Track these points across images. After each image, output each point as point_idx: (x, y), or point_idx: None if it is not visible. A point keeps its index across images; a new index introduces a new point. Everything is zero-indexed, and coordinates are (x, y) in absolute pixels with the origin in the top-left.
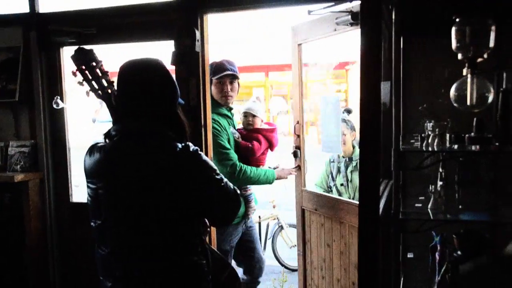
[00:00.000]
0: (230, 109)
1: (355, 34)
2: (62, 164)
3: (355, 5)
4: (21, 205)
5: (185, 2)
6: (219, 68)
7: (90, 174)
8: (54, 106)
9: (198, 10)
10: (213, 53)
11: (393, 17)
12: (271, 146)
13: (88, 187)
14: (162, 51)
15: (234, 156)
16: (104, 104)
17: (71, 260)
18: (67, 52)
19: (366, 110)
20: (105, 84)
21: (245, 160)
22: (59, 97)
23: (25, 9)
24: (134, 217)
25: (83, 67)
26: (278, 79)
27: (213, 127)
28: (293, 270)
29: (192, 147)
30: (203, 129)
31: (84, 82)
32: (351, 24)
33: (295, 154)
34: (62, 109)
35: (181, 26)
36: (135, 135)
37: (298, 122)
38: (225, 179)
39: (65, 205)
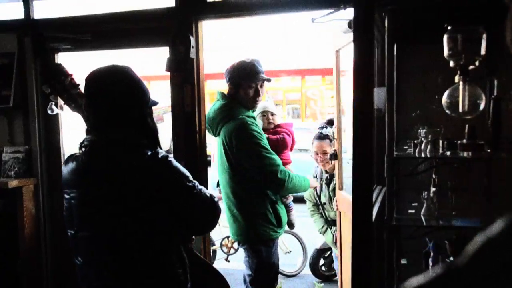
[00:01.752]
0: (253, 111)
1: None
2: (56, 170)
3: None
4: (15, 212)
5: (180, 9)
6: (253, 71)
7: (66, 184)
8: (49, 112)
9: (193, 17)
10: (210, 60)
11: (386, 24)
12: (293, 143)
13: (64, 197)
14: (157, 56)
15: (279, 160)
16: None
17: (65, 267)
18: (62, 58)
19: (359, 116)
20: (76, 96)
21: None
22: (53, 103)
23: (20, 15)
24: (104, 228)
25: (54, 81)
26: (273, 85)
27: (253, 130)
28: (289, 276)
29: (161, 153)
30: (198, 135)
31: (57, 96)
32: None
33: (334, 157)
34: (57, 115)
35: (176, 33)
36: (104, 144)
37: (337, 127)
38: (200, 187)
39: (59, 211)
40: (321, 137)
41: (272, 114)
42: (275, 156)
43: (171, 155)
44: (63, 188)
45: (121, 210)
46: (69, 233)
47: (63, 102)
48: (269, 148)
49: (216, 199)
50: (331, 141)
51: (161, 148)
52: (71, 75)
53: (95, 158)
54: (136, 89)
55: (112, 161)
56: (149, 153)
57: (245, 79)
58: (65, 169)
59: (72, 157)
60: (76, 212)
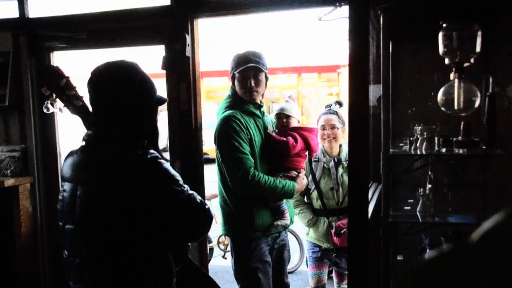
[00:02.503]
0: (258, 107)
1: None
2: (52, 169)
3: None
4: (11, 210)
5: (176, 7)
6: (241, 60)
7: (62, 177)
8: (45, 110)
9: (188, 15)
10: (206, 58)
11: (382, 22)
12: (309, 149)
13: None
14: (153, 54)
15: (248, 161)
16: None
17: (61, 265)
18: (57, 57)
19: (355, 113)
20: (73, 98)
21: (279, 161)
22: (49, 102)
23: (15, 14)
24: (84, 223)
25: (52, 83)
26: (269, 83)
27: (230, 126)
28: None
29: (151, 154)
30: (193, 133)
31: (57, 99)
32: None
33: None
34: (53, 113)
35: (172, 31)
36: (99, 141)
37: None
38: (190, 192)
39: (55, 209)
40: (330, 112)
41: (288, 117)
42: (243, 156)
43: (164, 158)
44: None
45: (102, 208)
46: (59, 225)
47: (63, 105)
48: (241, 147)
49: (207, 206)
50: (339, 118)
51: (158, 149)
52: (68, 77)
53: (88, 154)
54: (138, 87)
55: (102, 159)
56: (138, 152)
57: (234, 69)
58: (64, 162)
59: (72, 152)
60: (65, 205)
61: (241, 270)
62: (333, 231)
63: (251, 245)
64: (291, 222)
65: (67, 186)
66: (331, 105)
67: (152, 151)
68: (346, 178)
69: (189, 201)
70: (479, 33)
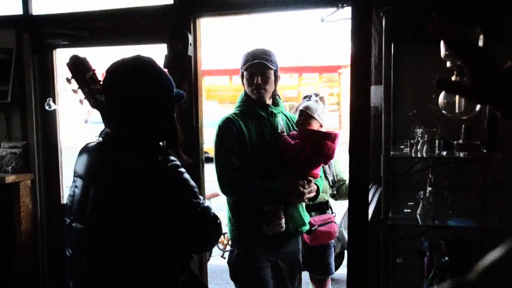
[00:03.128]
0: (265, 107)
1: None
2: (53, 166)
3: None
4: (12, 207)
5: (179, 6)
6: (249, 57)
7: (75, 170)
8: (46, 107)
9: (191, 14)
10: (208, 57)
11: (384, 24)
12: (323, 156)
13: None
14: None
15: (227, 164)
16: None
17: (61, 263)
18: (60, 54)
19: (356, 114)
20: (95, 92)
21: (287, 164)
22: (51, 99)
23: (19, 11)
24: (97, 225)
25: (78, 74)
26: None
27: (219, 129)
28: None
29: (171, 162)
30: (194, 132)
31: (78, 90)
32: None
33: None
34: (54, 110)
35: (174, 30)
36: (116, 142)
37: None
38: (206, 205)
39: (56, 206)
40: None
41: (310, 117)
42: (223, 161)
43: (184, 160)
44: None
45: (115, 210)
46: (66, 221)
47: (84, 97)
48: (225, 150)
49: (219, 221)
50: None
51: (177, 149)
52: (94, 70)
53: (106, 153)
54: (155, 85)
55: (119, 160)
56: (159, 158)
57: (242, 67)
58: (79, 157)
59: (86, 147)
60: (76, 203)
61: (234, 279)
62: None
63: (241, 253)
64: (292, 229)
65: (79, 182)
66: (311, 96)
67: (172, 158)
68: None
69: (204, 214)
70: (481, 36)
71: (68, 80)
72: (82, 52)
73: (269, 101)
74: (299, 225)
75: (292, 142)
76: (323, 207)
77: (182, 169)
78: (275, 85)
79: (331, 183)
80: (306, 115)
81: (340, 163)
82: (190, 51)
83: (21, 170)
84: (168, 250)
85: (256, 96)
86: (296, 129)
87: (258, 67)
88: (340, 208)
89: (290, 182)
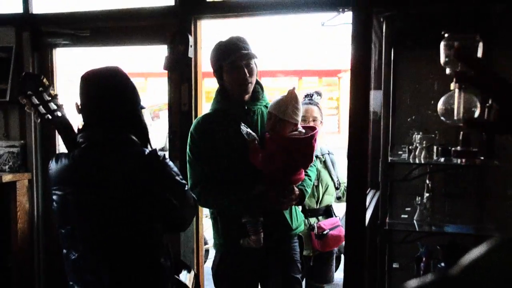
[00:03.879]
0: (242, 104)
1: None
2: None
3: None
4: (8, 206)
5: (180, 8)
6: (229, 48)
7: (58, 181)
8: None
9: (192, 16)
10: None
11: (384, 30)
12: (298, 163)
13: (54, 194)
14: (155, 53)
15: (194, 172)
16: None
17: (57, 264)
18: (60, 54)
19: (355, 118)
20: (54, 107)
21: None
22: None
23: (19, 9)
24: (103, 222)
25: (30, 92)
26: (270, 85)
27: (190, 133)
28: None
29: (159, 152)
30: None
31: (32, 108)
32: None
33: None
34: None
35: (175, 32)
36: (102, 142)
37: None
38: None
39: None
40: (311, 103)
41: (278, 120)
42: (190, 169)
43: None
44: (51, 185)
45: (118, 204)
46: (62, 230)
47: (37, 114)
48: (192, 158)
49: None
50: (320, 110)
51: (151, 147)
52: (50, 85)
53: (93, 155)
54: (129, 89)
55: (111, 158)
56: (147, 151)
57: (221, 60)
58: (57, 167)
59: (63, 155)
60: (73, 208)
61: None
62: (314, 233)
63: (221, 259)
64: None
65: (69, 190)
66: (312, 94)
67: (157, 149)
68: (324, 173)
69: (189, 192)
70: (481, 44)
71: (21, 99)
72: (82, 51)
73: (247, 97)
74: (287, 229)
75: (260, 154)
76: (330, 211)
77: (167, 158)
78: (256, 76)
79: (336, 185)
80: (273, 118)
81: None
82: (191, 53)
83: (19, 170)
84: (158, 228)
85: (244, 92)
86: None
87: (242, 59)
88: (338, 211)
89: (263, 192)
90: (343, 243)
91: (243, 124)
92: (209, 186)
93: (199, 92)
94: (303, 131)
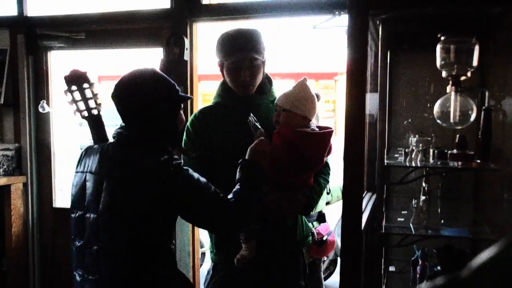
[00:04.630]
0: (246, 99)
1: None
2: (46, 168)
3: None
4: (2, 210)
5: (175, 11)
6: (232, 47)
7: (83, 165)
8: (40, 110)
9: (188, 19)
10: (204, 61)
11: (380, 32)
12: (304, 161)
13: (76, 176)
14: (152, 56)
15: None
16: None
17: (52, 267)
18: (54, 56)
19: (351, 122)
20: (93, 105)
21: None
22: (45, 101)
23: (13, 11)
24: (109, 214)
25: (74, 87)
26: None
27: (190, 123)
28: None
29: (176, 160)
30: None
31: (73, 103)
32: None
33: None
34: (48, 113)
35: (171, 35)
36: (126, 140)
37: None
38: (213, 188)
39: (48, 210)
40: None
41: (285, 111)
42: (186, 165)
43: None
44: (76, 168)
45: (126, 203)
46: (73, 214)
47: (76, 109)
48: (186, 154)
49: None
50: (316, 113)
51: (180, 146)
52: (93, 83)
53: (116, 152)
54: (158, 90)
55: (128, 158)
56: (164, 157)
57: (223, 57)
58: (87, 155)
59: (94, 147)
60: (90, 194)
61: None
62: (314, 239)
63: (214, 272)
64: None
65: (90, 177)
66: None
67: (175, 157)
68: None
69: (211, 195)
70: (477, 47)
71: (65, 93)
72: (77, 54)
73: (253, 91)
74: (290, 241)
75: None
76: (323, 216)
77: (185, 167)
78: (264, 70)
79: (328, 190)
80: (278, 109)
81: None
82: (186, 56)
83: (13, 173)
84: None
85: (243, 93)
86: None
87: (244, 59)
88: (332, 214)
89: (265, 195)
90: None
91: (252, 115)
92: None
93: (194, 95)
94: (317, 129)
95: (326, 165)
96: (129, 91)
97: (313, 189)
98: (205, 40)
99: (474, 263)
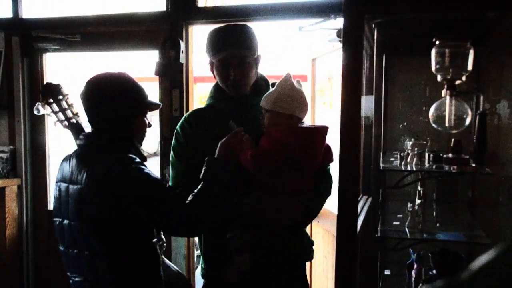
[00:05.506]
0: (238, 100)
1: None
2: (41, 171)
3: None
4: None
5: (171, 14)
6: (220, 43)
7: (59, 174)
8: (35, 112)
9: (183, 22)
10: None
11: (376, 36)
12: (295, 159)
13: (55, 185)
14: (148, 58)
15: (172, 180)
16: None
17: (46, 270)
18: (50, 59)
19: (346, 125)
20: (71, 115)
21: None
22: (40, 104)
23: (8, 14)
24: (79, 223)
25: (51, 100)
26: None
27: (178, 127)
28: None
29: (132, 161)
30: None
31: (52, 114)
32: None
33: None
34: (43, 115)
35: (166, 37)
36: (86, 146)
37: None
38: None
39: (42, 212)
40: None
41: (267, 112)
42: (174, 168)
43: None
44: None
45: (88, 210)
46: (55, 222)
47: (57, 120)
48: (171, 164)
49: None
50: None
51: (139, 153)
52: (67, 95)
53: (79, 158)
54: (124, 94)
55: (89, 164)
56: (124, 159)
57: (211, 54)
58: (61, 164)
59: (68, 154)
60: (62, 202)
61: None
62: None
63: None
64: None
65: (63, 185)
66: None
67: (134, 157)
68: None
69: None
70: (471, 51)
71: (43, 106)
72: (73, 56)
73: (246, 91)
74: (287, 256)
75: (249, 152)
76: None
77: (144, 166)
78: (257, 68)
79: None
80: (263, 111)
81: None
82: (182, 59)
83: (8, 175)
84: (144, 233)
85: (234, 93)
86: None
87: (233, 57)
88: None
89: (258, 202)
90: None
91: (232, 121)
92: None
93: (190, 97)
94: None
95: (327, 174)
96: (93, 91)
97: (313, 197)
98: (201, 42)
99: (473, 266)
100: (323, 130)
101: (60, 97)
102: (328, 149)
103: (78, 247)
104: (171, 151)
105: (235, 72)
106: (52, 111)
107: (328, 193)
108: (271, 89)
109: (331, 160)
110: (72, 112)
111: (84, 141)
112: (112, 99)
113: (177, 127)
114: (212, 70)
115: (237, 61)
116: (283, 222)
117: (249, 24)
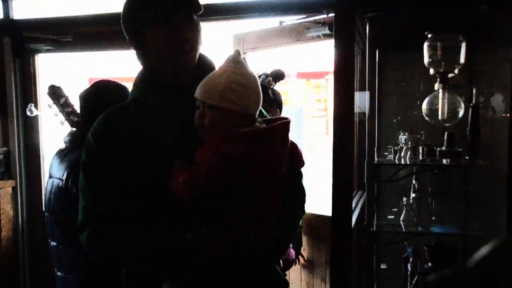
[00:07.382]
0: (181, 89)
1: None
2: (35, 172)
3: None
4: None
5: None
6: (153, 2)
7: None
8: (28, 113)
9: None
10: None
11: (368, 31)
12: (251, 180)
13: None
14: None
15: (87, 201)
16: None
17: (43, 271)
18: (42, 59)
19: (340, 120)
20: (71, 114)
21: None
22: (33, 105)
23: None
24: (53, 212)
25: (56, 100)
26: None
27: (86, 142)
28: None
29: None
30: None
31: (59, 113)
32: (324, 36)
33: None
34: (36, 116)
35: None
36: (69, 142)
37: None
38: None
39: (37, 213)
40: None
41: (210, 109)
42: (84, 195)
43: None
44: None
45: (64, 196)
46: (46, 218)
47: (64, 118)
48: (89, 172)
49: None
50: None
51: None
52: (67, 96)
53: (59, 152)
54: (106, 93)
55: (61, 159)
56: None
57: (139, 22)
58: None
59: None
60: (48, 195)
61: None
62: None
63: None
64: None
65: (49, 181)
66: (260, 76)
67: None
68: None
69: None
70: (463, 44)
71: (49, 106)
72: (65, 56)
73: (184, 77)
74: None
75: (184, 173)
76: None
77: None
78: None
79: None
80: (201, 106)
81: None
82: None
83: (2, 177)
84: None
85: (181, 71)
86: None
87: (178, 21)
88: None
89: (201, 238)
90: None
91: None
92: (106, 226)
93: None
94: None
95: (298, 186)
96: (91, 93)
97: (281, 222)
98: None
99: (476, 256)
100: (282, 128)
101: (63, 99)
102: (294, 151)
103: (54, 238)
104: (80, 174)
105: (185, 36)
106: (59, 110)
107: (301, 212)
108: (211, 73)
109: (301, 165)
110: (74, 112)
111: (68, 138)
112: (103, 98)
113: (88, 136)
114: (138, 45)
115: (183, 23)
116: (237, 261)
117: (242, 21)
